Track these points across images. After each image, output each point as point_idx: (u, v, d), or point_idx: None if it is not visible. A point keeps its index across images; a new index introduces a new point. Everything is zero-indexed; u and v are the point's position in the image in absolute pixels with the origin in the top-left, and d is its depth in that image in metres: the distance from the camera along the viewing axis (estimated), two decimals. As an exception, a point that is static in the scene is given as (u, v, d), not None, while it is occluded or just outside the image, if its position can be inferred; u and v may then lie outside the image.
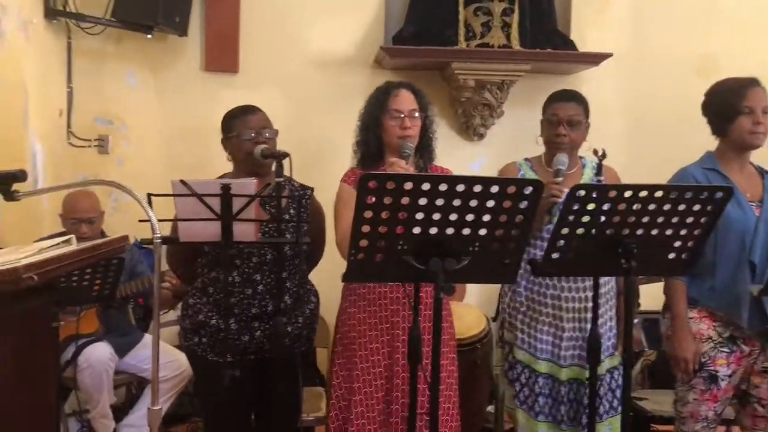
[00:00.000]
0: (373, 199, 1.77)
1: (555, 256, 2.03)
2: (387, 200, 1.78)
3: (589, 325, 2.36)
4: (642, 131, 4.45)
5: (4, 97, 3.39)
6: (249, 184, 2.06)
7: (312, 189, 2.59)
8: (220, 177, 2.53)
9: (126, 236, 1.99)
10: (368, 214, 1.80)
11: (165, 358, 3.31)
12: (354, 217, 1.80)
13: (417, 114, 2.41)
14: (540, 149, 2.73)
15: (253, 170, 2.39)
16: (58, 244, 1.60)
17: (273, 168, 2.39)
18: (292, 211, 2.40)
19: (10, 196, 1.70)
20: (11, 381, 1.56)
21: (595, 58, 4.08)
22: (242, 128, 2.42)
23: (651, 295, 3.36)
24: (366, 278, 2.15)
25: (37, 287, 1.48)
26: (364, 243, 1.84)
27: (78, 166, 4.34)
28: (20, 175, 1.69)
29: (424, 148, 2.49)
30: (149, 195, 2.04)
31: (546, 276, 2.40)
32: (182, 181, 2.01)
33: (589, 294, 2.39)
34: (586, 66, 4.15)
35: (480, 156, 4.55)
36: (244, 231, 2.12)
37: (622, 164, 2.98)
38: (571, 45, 4.14)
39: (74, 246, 1.63)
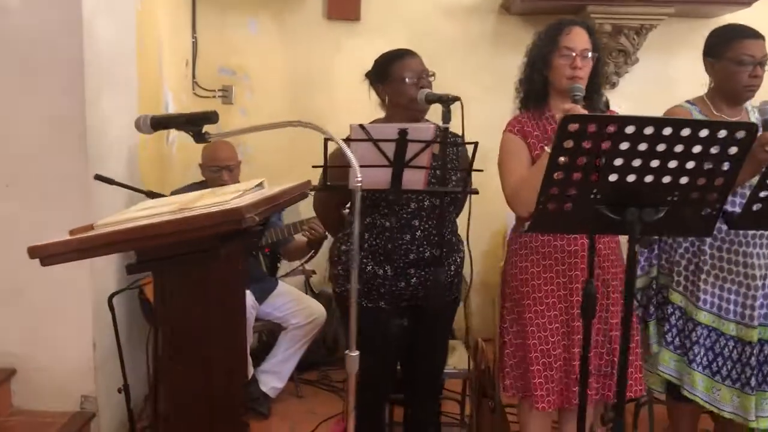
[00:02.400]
0: (572, 143, 1.66)
1: (755, 207, 1.88)
2: (586, 144, 1.66)
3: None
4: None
5: (145, 47, 3.43)
6: (426, 129, 1.97)
7: (462, 136, 2.50)
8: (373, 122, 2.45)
9: (309, 181, 1.95)
10: (564, 159, 1.69)
11: (297, 305, 3.34)
12: (548, 163, 1.70)
13: (589, 54, 2.25)
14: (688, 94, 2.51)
15: (411, 116, 2.31)
16: (253, 187, 1.57)
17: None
18: (453, 157, 2.32)
19: (201, 138, 1.68)
20: (215, 322, 1.55)
21: (749, -1, 3.77)
22: (404, 72, 2.34)
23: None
24: (553, 229, 2.04)
25: (236, 231, 1.46)
26: (554, 191, 1.74)
27: (203, 116, 4.39)
28: (213, 117, 1.67)
29: (594, 91, 2.33)
30: (326, 140, 1.99)
31: (743, 229, 2.23)
32: (361, 126, 1.95)
33: None
34: (736, 8, 3.84)
35: (612, 106, 4.34)
36: (414, 179, 2.05)
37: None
38: (719, -16, 3.84)
39: (269, 189, 1.60)
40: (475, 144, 2.07)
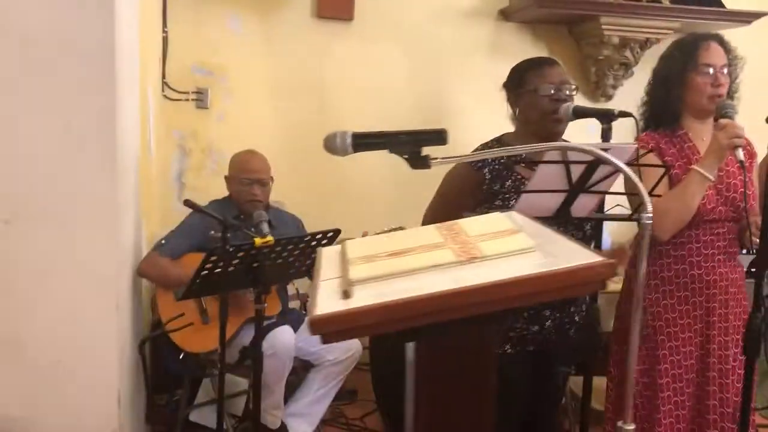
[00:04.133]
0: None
1: None
2: None
3: None
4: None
5: (142, 40, 2.91)
6: (627, 151, 1.72)
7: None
8: (493, 141, 2.16)
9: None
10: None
11: (333, 339, 2.97)
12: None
13: (726, 70, 2.11)
14: None
15: (544, 133, 2.06)
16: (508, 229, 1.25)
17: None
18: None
19: (421, 162, 1.33)
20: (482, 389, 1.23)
21: (750, 17, 3.85)
22: (539, 82, 2.07)
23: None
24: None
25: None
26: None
27: (174, 121, 3.86)
28: (442, 136, 1.32)
29: None
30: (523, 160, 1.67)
31: None
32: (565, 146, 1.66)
33: None
34: (735, 25, 3.90)
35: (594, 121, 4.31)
36: (585, 205, 1.80)
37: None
38: (717, 2, 3.89)
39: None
40: (667, 168, 1.85)
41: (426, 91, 4.10)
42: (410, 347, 1.15)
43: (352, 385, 3.71)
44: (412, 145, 1.33)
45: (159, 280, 2.68)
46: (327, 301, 1.04)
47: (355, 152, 1.37)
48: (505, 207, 2.00)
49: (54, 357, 2.28)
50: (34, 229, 2.21)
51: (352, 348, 2.96)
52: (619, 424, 1.31)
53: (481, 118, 4.12)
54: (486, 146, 2.15)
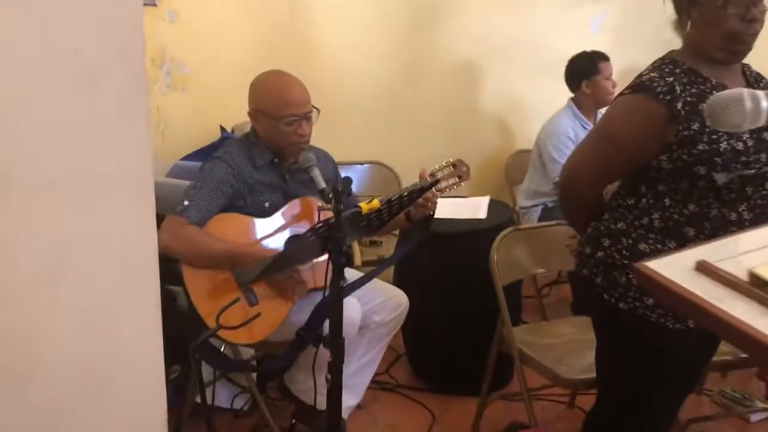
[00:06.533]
0: None
1: None
2: None
3: None
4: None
5: None
6: None
7: None
8: (668, 63, 1.65)
9: None
10: None
11: (381, 296, 2.45)
12: None
13: None
14: None
15: (722, 58, 1.59)
16: None
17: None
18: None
19: None
20: None
21: None
22: None
23: None
24: None
25: None
26: None
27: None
28: None
29: None
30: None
31: None
32: None
33: None
34: None
35: (599, 13, 3.88)
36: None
37: None
38: None
39: None
40: None
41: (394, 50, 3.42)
42: None
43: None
44: None
45: (190, 256, 1.98)
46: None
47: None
48: (715, 153, 1.54)
49: (75, 387, 1.60)
50: (37, 206, 1.45)
51: (401, 304, 2.44)
52: None
53: (486, 18, 3.52)
54: (662, 70, 1.63)
